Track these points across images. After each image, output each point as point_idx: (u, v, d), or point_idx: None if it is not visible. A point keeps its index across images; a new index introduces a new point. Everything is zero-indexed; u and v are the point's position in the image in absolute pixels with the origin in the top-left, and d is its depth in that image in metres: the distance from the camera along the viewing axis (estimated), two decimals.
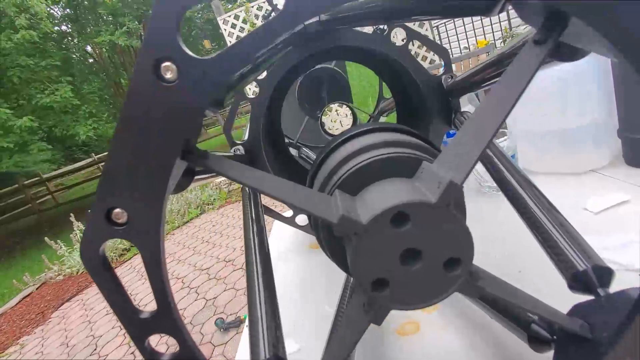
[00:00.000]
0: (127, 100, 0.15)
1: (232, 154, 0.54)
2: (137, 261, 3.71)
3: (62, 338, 2.70)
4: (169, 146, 0.16)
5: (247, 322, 0.57)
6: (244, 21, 4.15)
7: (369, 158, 0.22)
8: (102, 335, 2.48)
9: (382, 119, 1.08)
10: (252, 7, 4.13)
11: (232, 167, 0.19)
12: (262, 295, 0.33)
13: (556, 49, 0.16)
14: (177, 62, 0.14)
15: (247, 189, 0.47)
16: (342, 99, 1.07)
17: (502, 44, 3.68)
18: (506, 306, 0.30)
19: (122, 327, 0.18)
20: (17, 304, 3.84)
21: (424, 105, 0.55)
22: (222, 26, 4.21)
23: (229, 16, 4.17)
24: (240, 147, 0.56)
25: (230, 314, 2.08)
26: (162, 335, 0.20)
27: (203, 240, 3.54)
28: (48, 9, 6.74)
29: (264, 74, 0.54)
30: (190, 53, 0.14)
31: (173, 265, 3.20)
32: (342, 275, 0.57)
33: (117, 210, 0.17)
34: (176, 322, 0.19)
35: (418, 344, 0.40)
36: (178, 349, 0.21)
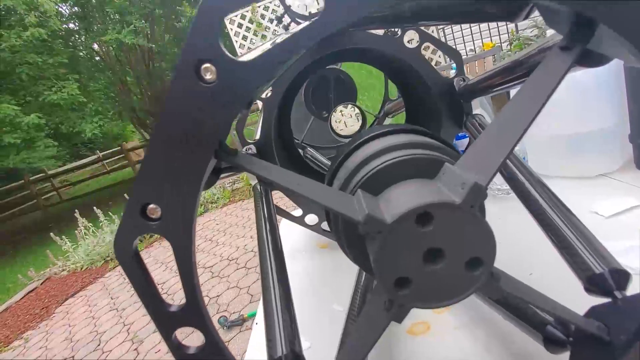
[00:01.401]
0: (167, 100, 0.15)
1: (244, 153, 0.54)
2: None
3: (66, 333, 2.72)
4: (205, 145, 0.16)
5: (254, 321, 0.58)
6: (251, 21, 4.16)
7: (391, 159, 0.22)
8: (106, 331, 2.50)
9: (388, 121, 1.09)
10: (259, 7, 4.15)
11: (261, 165, 0.19)
12: (277, 292, 0.33)
13: (582, 56, 0.17)
14: (217, 64, 0.15)
15: (258, 188, 0.48)
16: (348, 100, 1.08)
17: (509, 47, 3.66)
18: (520, 307, 0.30)
19: (151, 320, 0.19)
20: (21, 298, 3.87)
21: (435, 108, 0.56)
22: (229, 26, 4.23)
23: (236, 16, 4.19)
24: (252, 147, 0.57)
25: (234, 312, 2.09)
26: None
27: (206, 239, 3.55)
28: (56, 7, 6.80)
29: None
30: (230, 55, 0.15)
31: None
32: (350, 274, 0.58)
33: (152, 205, 0.17)
34: (203, 316, 0.20)
35: (428, 344, 0.40)
36: (203, 342, 0.21)
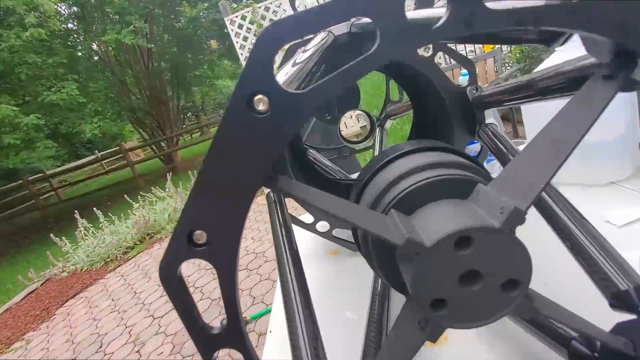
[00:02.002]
0: (220, 129, 0.16)
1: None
2: (142, 259, 3.72)
3: (67, 335, 2.71)
4: (255, 173, 0.16)
5: (268, 329, 0.58)
6: (251, 22, 4.16)
7: (425, 179, 0.23)
8: (107, 333, 2.49)
9: (389, 123, 1.09)
10: (259, 7, 4.15)
11: (300, 189, 0.19)
12: (298, 302, 0.34)
13: (626, 82, 0.17)
14: (269, 95, 0.15)
15: (272, 195, 0.48)
16: (352, 103, 1.08)
17: (509, 49, 3.66)
18: (543, 322, 0.30)
19: (192, 341, 0.19)
20: (22, 299, 3.86)
21: (446, 116, 0.56)
22: (229, 26, 4.23)
23: (236, 17, 4.18)
24: None
25: None
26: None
27: None
28: (56, 7, 6.79)
29: None
30: (283, 87, 0.15)
31: None
32: (362, 281, 0.58)
33: (199, 231, 0.18)
34: (244, 337, 0.20)
35: (446, 354, 0.40)
36: None
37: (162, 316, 2.41)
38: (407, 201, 0.23)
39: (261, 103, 0.15)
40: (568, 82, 0.26)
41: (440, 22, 0.14)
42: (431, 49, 0.55)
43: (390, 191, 0.24)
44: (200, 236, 0.18)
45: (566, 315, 0.25)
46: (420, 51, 0.53)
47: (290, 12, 4.00)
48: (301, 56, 0.34)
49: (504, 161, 0.45)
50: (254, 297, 2.20)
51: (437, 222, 0.20)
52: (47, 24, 5.99)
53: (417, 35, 0.14)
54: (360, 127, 3.29)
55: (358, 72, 0.15)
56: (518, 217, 0.18)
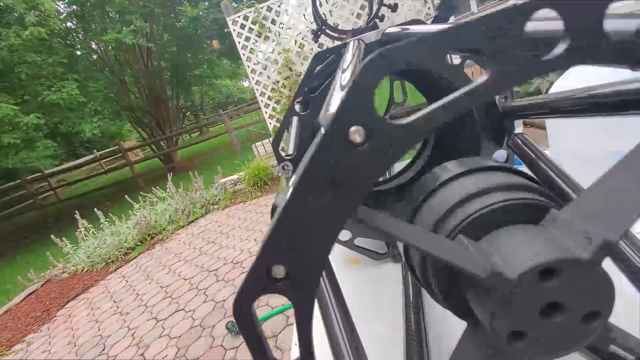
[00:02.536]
0: (310, 162, 0.15)
1: (284, 172, 0.53)
2: (143, 260, 3.70)
3: (69, 337, 2.69)
4: (346, 207, 0.15)
5: (293, 342, 0.56)
6: (254, 22, 4.14)
7: (499, 202, 0.22)
8: (110, 335, 2.47)
9: None
10: (262, 8, 4.13)
11: (384, 221, 0.18)
12: (338, 317, 0.33)
13: None
14: (369, 126, 0.14)
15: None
16: None
17: None
18: (601, 345, 0.29)
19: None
20: (22, 300, 3.83)
21: (473, 124, 0.55)
22: (232, 27, 4.20)
23: (238, 17, 4.16)
24: (289, 163, 0.56)
25: None
26: None
27: (209, 241, 3.54)
28: (56, 6, 6.74)
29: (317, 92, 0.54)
30: (383, 118, 0.14)
31: (179, 266, 3.20)
32: (386, 291, 0.57)
33: (278, 266, 0.17)
34: None
35: None
36: None
37: (166, 318, 2.39)
38: (476, 226, 0.22)
39: (357, 134, 0.14)
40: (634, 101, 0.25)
41: (555, 52, 0.13)
42: (459, 56, 0.54)
43: (455, 214, 0.23)
44: (278, 270, 0.17)
45: (632, 341, 0.24)
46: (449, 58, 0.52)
47: (289, 12, 3.94)
48: (344, 77, 0.33)
49: (538, 172, 0.45)
50: (259, 300, 2.18)
51: (519, 251, 0.19)
52: (47, 22, 5.95)
53: (529, 66, 0.13)
54: None
55: (465, 104, 0.14)
56: (609, 248, 0.17)
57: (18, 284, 4.13)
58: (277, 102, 4.21)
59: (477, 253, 0.20)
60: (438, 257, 0.19)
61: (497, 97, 0.53)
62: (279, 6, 4.12)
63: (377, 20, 0.93)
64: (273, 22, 4.17)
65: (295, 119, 0.60)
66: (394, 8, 0.73)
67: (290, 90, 4.11)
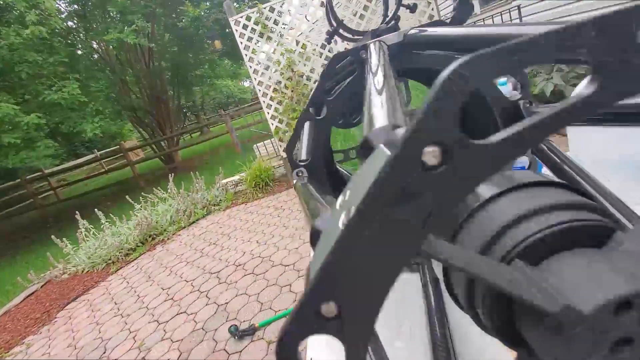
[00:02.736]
0: (375, 185, 0.13)
1: (298, 178, 0.51)
2: (144, 262, 3.68)
3: (69, 339, 2.67)
4: (412, 239, 0.13)
5: (309, 357, 0.54)
6: (256, 22, 4.12)
7: (562, 223, 0.19)
8: (111, 337, 2.45)
9: None
10: (264, 8, 4.11)
11: (454, 253, 0.16)
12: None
13: None
14: (444, 146, 0.12)
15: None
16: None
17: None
18: None
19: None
20: (21, 301, 3.81)
21: (494, 129, 0.53)
22: (234, 27, 4.18)
23: (241, 17, 4.14)
24: (303, 170, 0.54)
25: (244, 321, 2.05)
26: None
27: (210, 242, 3.51)
28: (56, 5, 6.73)
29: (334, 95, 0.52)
30: (463, 136, 0.12)
31: (181, 267, 3.18)
32: (402, 305, 0.54)
33: (329, 303, 0.15)
34: None
35: None
36: None
37: (167, 321, 2.37)
38: (535, 250, 0.20)
39: (433, 156, 0.12)
40: None
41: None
42: None
43: (507, 235, 0.21)
44: (329, 308, 0.15)
45: None
46: None
47: (292, 12, 3.92)
48: (378, 81, 0.31)
49: (565, 179, 0.43)
50: (262, 304, 2.16)
51: (590, 282, 0.17)
52: (47, 21, 5.93)
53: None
54: None
55: (566, 121, 0.12)
56: None
57: (18, 284, 4.11)
58: (280, 102, 4.19)
59: (541, 282, 0.18)
60: (498, 287, 0.17)
61: (521, 103, 0.51)
62: (281, 6, 4.10)
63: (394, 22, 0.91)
64: (275, 22, 4.15)
65: (307, 123, 0.58)
66: (412, 9, 0.70)
67: (292, 91, 4.09)
